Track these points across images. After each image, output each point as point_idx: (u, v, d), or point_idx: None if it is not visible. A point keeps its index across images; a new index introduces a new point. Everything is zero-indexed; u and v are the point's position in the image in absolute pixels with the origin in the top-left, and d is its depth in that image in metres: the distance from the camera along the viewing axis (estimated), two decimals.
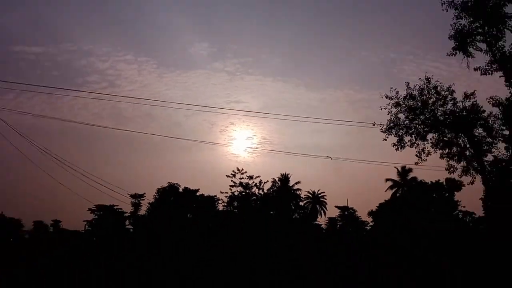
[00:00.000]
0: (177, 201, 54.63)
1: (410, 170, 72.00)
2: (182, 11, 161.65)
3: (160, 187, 54.27)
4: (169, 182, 54.57)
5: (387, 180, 74.49)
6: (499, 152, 27.63)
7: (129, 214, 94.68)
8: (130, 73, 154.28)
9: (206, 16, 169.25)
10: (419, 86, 27.77)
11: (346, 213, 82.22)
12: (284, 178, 65.73)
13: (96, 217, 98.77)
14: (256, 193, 53.00)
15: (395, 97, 27.98)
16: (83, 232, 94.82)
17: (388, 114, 28.10)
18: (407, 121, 28.06)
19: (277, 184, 58.64)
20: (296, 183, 67.00)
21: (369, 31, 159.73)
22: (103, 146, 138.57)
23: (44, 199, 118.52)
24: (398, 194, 73.78)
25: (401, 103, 27.97)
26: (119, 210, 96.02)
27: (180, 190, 57.25)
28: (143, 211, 78.20)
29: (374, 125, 28.69)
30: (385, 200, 75.80)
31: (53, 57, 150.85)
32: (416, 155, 28.22)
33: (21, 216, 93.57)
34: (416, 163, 28.61)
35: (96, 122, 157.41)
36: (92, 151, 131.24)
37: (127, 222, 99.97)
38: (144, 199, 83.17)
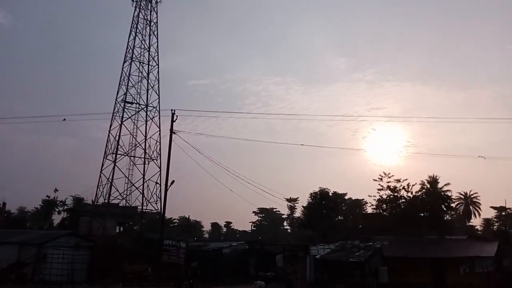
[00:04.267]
0: (328, 204, 54.22)
1: None
2: (320, 31, 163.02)
3: (312, 192, 54.68)
4: (320, 187, 54.66)
5: None
6: None
7: (286, 216, 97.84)
8: (279, 93, 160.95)
9: (342, 32, 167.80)
10: None
11: (503, 213, 72.26)
12: (433, 180, 60.45)
13: (260, 218, 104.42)
14: (405, 195, 49.63)
15: None
16: (249, 232, 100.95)
17: None
18: None
19: (425, 187, 54.12)
20: (446, 184, 60.75)
21: (501, 27, 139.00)
22: (261, 157, 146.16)
23: (219, 204, 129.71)
24: None
25: None
26: (278, 212, 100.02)
27: (330, 194, 56.75)
28: (297, 213, 79.92)
29: None
30: None
31: (217, 86, 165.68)
32: None
33: (202, 219, 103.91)
34: None
35: (254, 137, 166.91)
36: (252, 161, 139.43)
37: (284, 223, 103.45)
38: (298, 202, 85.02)
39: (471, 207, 73.26)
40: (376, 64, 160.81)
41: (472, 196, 73.02)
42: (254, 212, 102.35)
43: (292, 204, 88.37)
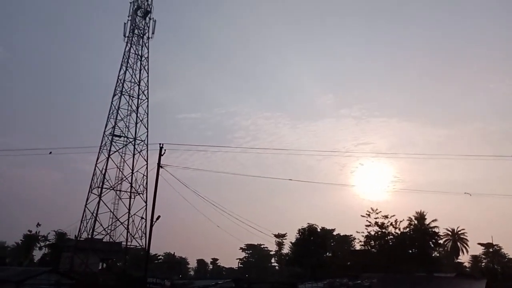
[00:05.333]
0: (316, 240, 53.61)
1: None
2: (308, 70, 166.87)
3: (300, 228, 54.11)
4: (308, 223, 54.19)
5: None
6: None
7: (274, 252, 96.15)
8: (268, 127, 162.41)
9: (329, 70, 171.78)
10: None
11: (491, 250, 72.13)
12: (420, 216, 60.47)
13: (247, 255, 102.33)
14: (393, 232, 49.41)
15: None
16: (236, 269, 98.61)
17: None
18: None
19: (413, 223, 54.07)
20: (433, 220, 60.98)
21: (494, 63, 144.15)
22: (250, 191, 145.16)
23: (205, 240, 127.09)
24: None
25: None
26: (265, 248, 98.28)
27: (318, 230, 56.25)
28: (285, 249, 78.68)
29: None
30: None
31: (207, 120, 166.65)
32: None
33: (187, 255, 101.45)
34: None
35: (243, 171, 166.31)
36: (240, 196, 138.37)
37: (272, 260, 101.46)
38: (286, 238, 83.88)
39: (458, 243, 73.03)
40: (363, 101, 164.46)
41: (459, 233, 72.96)
42: (241, 248, 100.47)
43: (280, 240, 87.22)
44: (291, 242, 58.66)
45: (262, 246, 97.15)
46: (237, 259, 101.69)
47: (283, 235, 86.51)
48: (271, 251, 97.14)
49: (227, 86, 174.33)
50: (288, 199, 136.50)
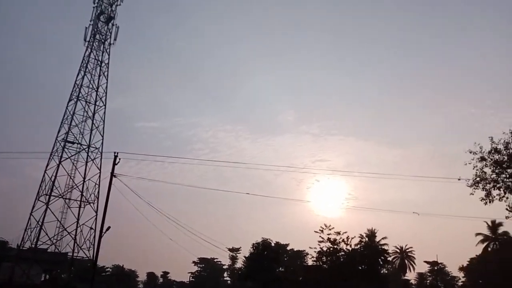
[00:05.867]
0: (270, 255, 53.72)
1: (500, 224, 64.90)
2: (271, 85, 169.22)
3: (254, 242, 54.12)
4: (262, 238, 54.32)
5: (477, 234, 67.54)
6: None
7: (227, 267, 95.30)
8: (228, 140, 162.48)
9: (292, 87, 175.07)
10: (504, 140, 25.39)
11: (436, 268, 75.28)
12: (371, 234, 62.37)
13: (199, 269, 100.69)
14: (344, 248, 50.50)
15: (480, 151, 25.81)
16: (187, 283, 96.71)
17: (474, 168, 25.85)
18: (494, 175, 25.51)
19: (364, 240, 55.60)
20: (383, 238, 63.37)
21: (449, 88, 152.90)
22: (206, 204, 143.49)
23: (157, 252, 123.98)
24: (489, 249, 66.28)
25: (486, 157, 25.66)
26: (219, 262, 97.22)
27: (272, 244, 56.43)
28: (239, 263, 78.22)
29: (459, 180, 26.49)
30: (476, 255, 68.48)
31: (166, 130, 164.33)
32: (507, 209, 25.27)
33: (137, 268, 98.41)
34: (507, 217, 25.58)
35: (201, 183, 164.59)
36: (196, 208, 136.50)
37: (225, 274, 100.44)
38: (240, 252, 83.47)
39: (406, 261, 75.77)
40: (322, 118, 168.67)
41: (407, 251, 75.77)
42: (194, 262, 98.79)
43: (234, 254, 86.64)
44: (244, 257, 58.45)
45: (216, 260, 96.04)
46: (188, 272, 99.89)
47: (238, 249, 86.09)
48: (225, 265, 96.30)
49: (189, 97, 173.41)
50: (245, 213, 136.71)
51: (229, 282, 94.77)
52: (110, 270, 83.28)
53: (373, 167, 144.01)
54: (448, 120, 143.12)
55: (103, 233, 30.40)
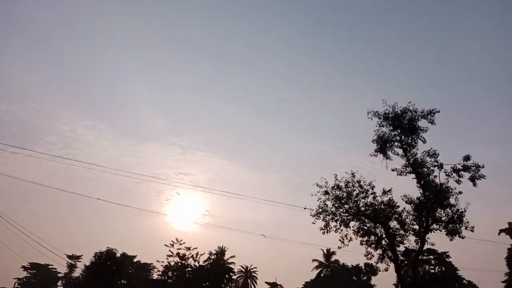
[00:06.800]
0: (113, 265, 50.62)
1: (334, 252, 72.50)
2: (146, 89, 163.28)
3: (98, 251, 50.41)
4: (107, 247, 50.95)
5: (313, 260, 74.28)
6: (410, 243, 28.32)
7: (63, 275, 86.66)
8: (88, 138, 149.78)
9: (166, 93, 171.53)
10: (345, 179, 28.59)
11: None
12: (220, 251, 63.70)
13: (29, 275, 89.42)
14: (192, 264, 50.44)
15: (325, 186, 28.54)
16: None
17: (318, 200, 28.47)
18: (333, 209, 28.38)
19: (213, 257, 56.42)
20: (231, 256, 65.21)
21: (307, 127, 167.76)
22: (51, 205, 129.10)
23: None
24: (322, 274, 73.30)
25: (329, 192, 28.51)
26: (53, 269, 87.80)
27: (118, 255, 53.39)
28: (78, 273, 71.85)
29: (305, 208, 28.81)
30: (310, 279, 74.95)
31: (16, 114, 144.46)
32: (340, 240, 28.24)
33: None
34: (339, 247, 28.58)
35: (48, 180, 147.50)
36: (39, 208, 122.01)
37: (59, 283, 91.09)
38: (80, 261, 76.89)
39: (249, 280, 79.10)
40: (192, 132, 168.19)
41: (251, 270, 79.30)
42: (23, 267, 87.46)
43: (73, 262, 79.55)
44: (85, 265, 53.95)
45: (50, 266, 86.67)
46: (15, 278, 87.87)
47: (78, 257, 79.32)
48: (60, 273, 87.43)
49: (46, 80, 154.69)
50: (95, 219, 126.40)
51: None
52: None
53: (232, 187, 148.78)
54: (305, 153, 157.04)
55: None
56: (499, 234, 53.21)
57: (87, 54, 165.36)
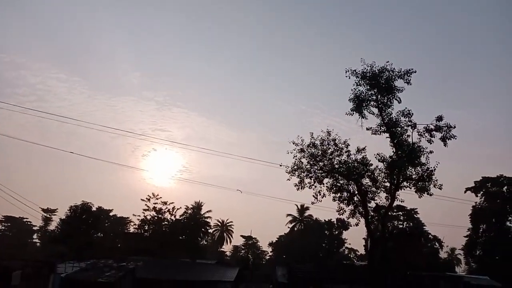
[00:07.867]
0: (88, 219, 50.90)
1: (307, 208, 74.63)
2: (120, 39, 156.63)
3: (73, 205, 50.35)
4: (83, 201, 50.92)
5: (287, 215, 76.41)
6: (381, 200, 29.43)
7: (38, 228, 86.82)
8: (60, 90, 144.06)
9: (142, 46, 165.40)
10: (321, 137, 29.03)
11: (250, 242, 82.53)
12: (197, 206, 64.59)
13: (4, 228, 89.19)
14: (168, 218, 51.26)
15: (301, 144, 28.94)
16: None
17: (294, 158, 28.94)
18: (308, 166, 28.94)
19: (189, 211, 57.33)
20: (208, 211, 66.12)
21: (285, 85, 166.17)
22: (25, 158, 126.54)
23: None
24: (296, 228, 75.77)
25: (305, 150, 28.95)
26: (28, 223, 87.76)
27: (94, 209, 53.54)
28: (53, 226, 72.02)
29: (281, 165, 29.22)
30: (284, 233, 77.53)
31: None
32: (313, 196, 29.01)
33: None
34: (313, 203, 29.40)
35: (20, 133, 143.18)
36: (11, 162, 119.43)
37: (35, 236, 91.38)
38: (56, 215, 76.88)
39: (225, 234, 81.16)
40: (169, 88, 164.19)
41: (227, 224, 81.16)
42: None
43: (48, 216, 79.44)
44: (60, 219, 54.06)
45: (25, 220, 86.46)
46: None
47: (53, 211, 79.15)
48: (36, 226, 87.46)
49: (16, 30, 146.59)
50: (70, 174, 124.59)
51: (38, 245, 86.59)
52: None
53: (209, 144, 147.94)
54: (284, 112, 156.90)
55: None
56: (465, 192, 55.68)
57: (58, 2, 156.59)
